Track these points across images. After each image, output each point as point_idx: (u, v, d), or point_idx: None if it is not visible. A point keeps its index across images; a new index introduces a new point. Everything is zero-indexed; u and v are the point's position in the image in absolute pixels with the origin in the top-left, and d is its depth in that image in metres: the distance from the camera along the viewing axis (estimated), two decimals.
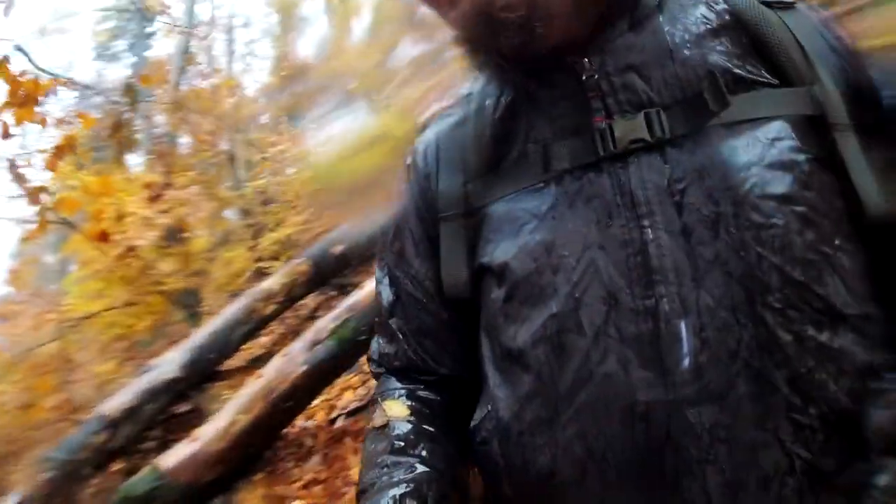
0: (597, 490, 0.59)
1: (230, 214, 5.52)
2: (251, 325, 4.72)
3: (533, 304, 0.64)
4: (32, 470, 3.21)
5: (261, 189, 5.49)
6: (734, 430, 0.56)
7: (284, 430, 2.97)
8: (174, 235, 5.35)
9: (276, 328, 4.85)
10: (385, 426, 0.73)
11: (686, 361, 0.57)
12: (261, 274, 4.91)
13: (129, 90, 3.83)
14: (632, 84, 0.65)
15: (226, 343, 4.71)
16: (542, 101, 0.69)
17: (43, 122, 1.86)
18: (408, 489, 0.63)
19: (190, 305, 5.68)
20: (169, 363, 4.82)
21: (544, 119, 0.68)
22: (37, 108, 1.92)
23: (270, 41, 8.10)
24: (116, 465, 3.53)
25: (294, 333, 3.99)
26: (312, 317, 4.44)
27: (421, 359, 0.77)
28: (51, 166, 1.94)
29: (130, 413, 4.32)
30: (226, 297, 5.09)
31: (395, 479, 0.64)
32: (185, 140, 5.91)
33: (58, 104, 4.22)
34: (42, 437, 4.27)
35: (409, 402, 0.75)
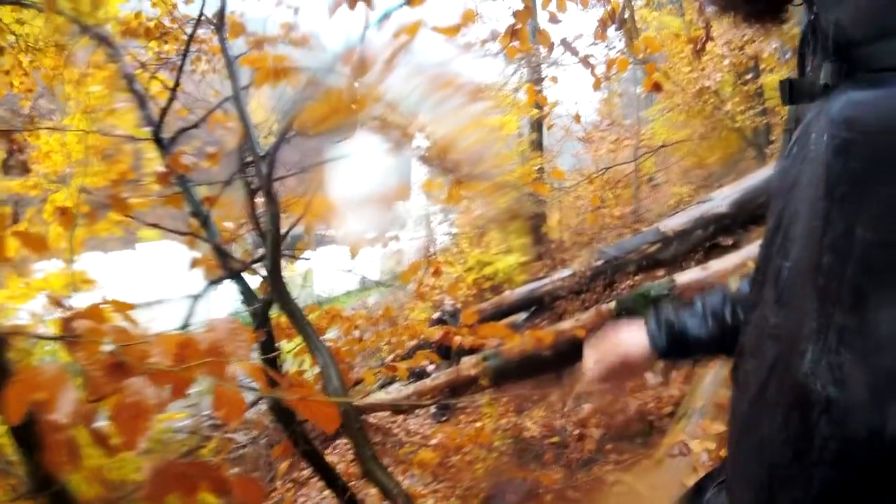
0: None
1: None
2: None
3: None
4: (589, 257, 4.19)
5: None
6: None
7: None
8: (743, 76, 5.29)
9: None
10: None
11: None
12: None
13: None
14: (826, 28, 0.56)
15: None
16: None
17: (584, 3, 2.34)
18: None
19: (760, 144, 5.69)
20: (722, 199, 5.15)
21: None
22: None
23: None
24: (658, 272, 4.25)
25: None
26: None
27: None
28: (600, 37, 2.47)
29: (682, 234, 4.94)
30: None
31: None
32: None
33: None
34: (604, 236, 5.31)
35: None
